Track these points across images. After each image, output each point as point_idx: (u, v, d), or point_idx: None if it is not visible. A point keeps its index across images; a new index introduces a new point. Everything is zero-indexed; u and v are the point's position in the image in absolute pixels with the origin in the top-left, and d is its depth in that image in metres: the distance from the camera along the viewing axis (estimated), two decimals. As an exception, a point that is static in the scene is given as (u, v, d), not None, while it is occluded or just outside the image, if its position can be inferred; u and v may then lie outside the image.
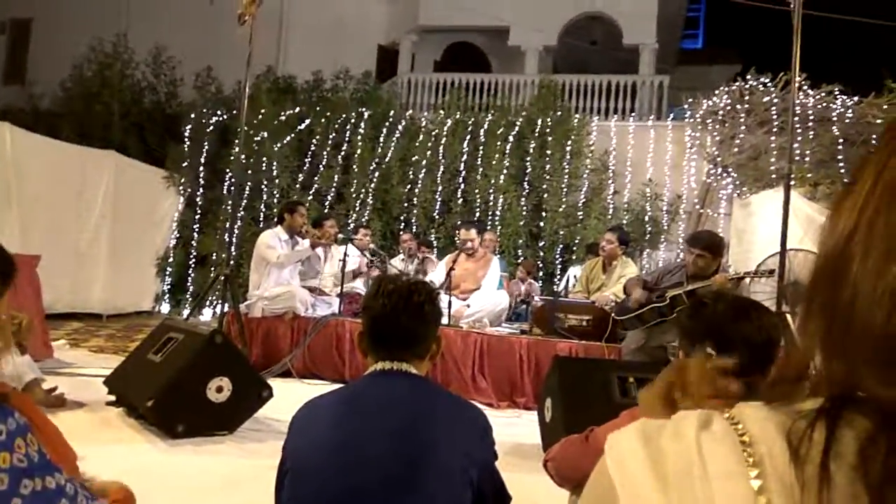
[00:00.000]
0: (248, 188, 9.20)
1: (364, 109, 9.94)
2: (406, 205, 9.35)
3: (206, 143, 9.49)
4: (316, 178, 9.45)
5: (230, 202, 8.32)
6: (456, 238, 6.39)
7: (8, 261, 0.80)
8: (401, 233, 8.46)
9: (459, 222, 7.25)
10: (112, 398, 3.85)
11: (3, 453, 0.51)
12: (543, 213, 9.09)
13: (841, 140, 7.84)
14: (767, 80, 8.30)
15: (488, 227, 8.50)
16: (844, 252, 0.39)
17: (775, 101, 8.21)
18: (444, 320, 4.60)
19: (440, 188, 9.33)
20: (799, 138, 7.51)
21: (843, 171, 7.81)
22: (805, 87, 7.96)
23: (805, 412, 0.38)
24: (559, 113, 9.80)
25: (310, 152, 9.62)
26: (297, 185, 9.38)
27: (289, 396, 3.83)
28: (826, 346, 0.39)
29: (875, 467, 0.34)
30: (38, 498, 0.53)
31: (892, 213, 0.37)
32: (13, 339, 2.96)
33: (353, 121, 9.77)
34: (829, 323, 0.39)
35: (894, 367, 0.35)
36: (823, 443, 0.36)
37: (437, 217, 9.25)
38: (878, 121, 7.75)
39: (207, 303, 8.44)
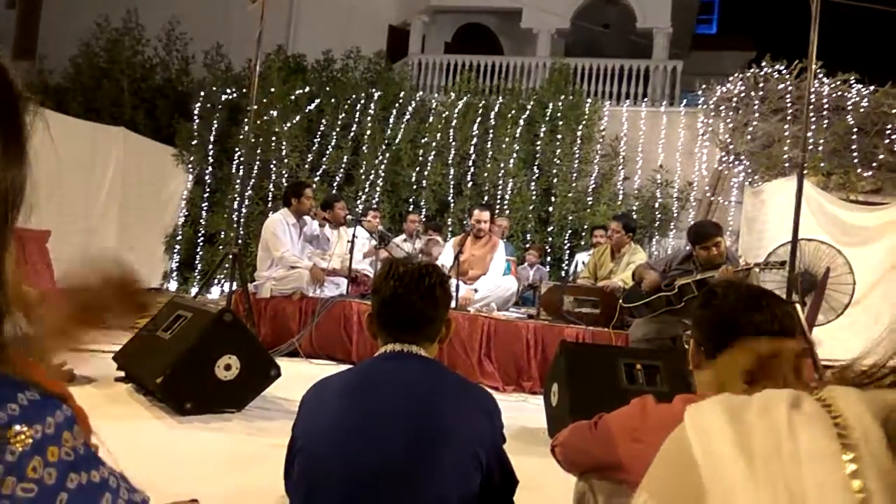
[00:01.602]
0: (256, 167, 9.19)
1: (374, 90, 9.89)
2: (415, 187, 9.33)
3: (215, 122, 9.48)
4: (325, 159, 9.44)
5: (239, 181, 8.32)
6: (466, 221, 6.39)
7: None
8: (409, 214, 8.46)
9: (474, 204, 7.24)
10: (121, 374, 3.88)
11: (51, 447, 0.51)
12: (553, 198, 9.05)
13: (855, 129, 7.76)
14: (782, 68, 8.20)
15: (497, 212, 8.48)
16: None
17: (790, 88, 8.12)
18: (452, 304, 4.60)
19: (451, 171, 9.30)
20: (813, 127, 7.44)
21: (856, 160, 7.74)
22: (820, 76, 7.86)
23: None
24: (571, 97, 9.73)
25: (319, 132, 9.60)
26: (306, 166, 9.36)
27: (296, 376, 3.85)
28: None
29: None
30: (83, 492, 0.53)
31: None
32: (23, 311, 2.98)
33: (362, 101, 9.73)
34: None
35: None
36: None
37: (451, 201, 9.22)
38: (894, 110, 7.66)
39: (215, 281, 8.48)
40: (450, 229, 8.70)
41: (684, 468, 0.39)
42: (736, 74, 8.65)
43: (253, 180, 9.13)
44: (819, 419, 0.37)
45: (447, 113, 9.62)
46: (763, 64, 8.32)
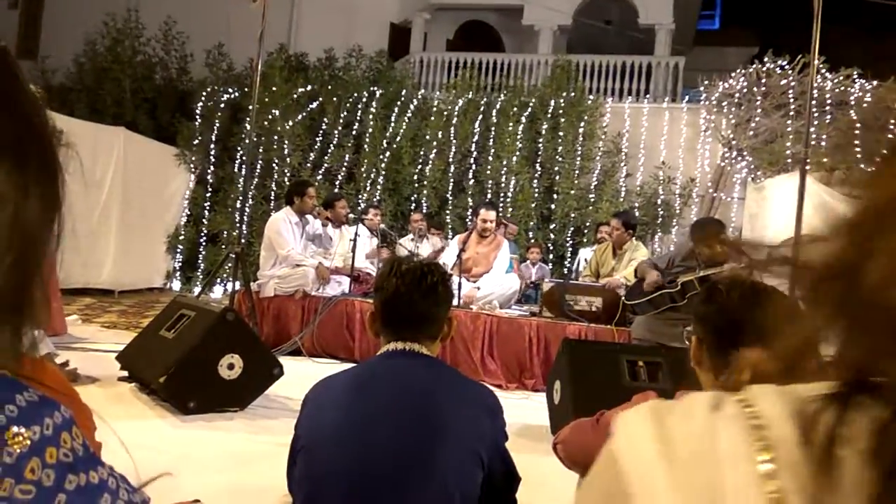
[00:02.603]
0: (259, 166, 9.20)
1: (376, 88, 9.89)
2: (417, 185, 9.33)
3: (217, 121, 9.49)
4: (327, 157, 9.44)
5: (241, 180, 8.32)
6: (469, 218, 6.39)
7: None
8: (411, 213, 8.46)
9: (476, 202, 7.26)
10: (124, 374, 3.88)
11: (50, 448, 0.51)
12: (555, 195, 9.04)
13: (858, 125, 7.73)
14: (785, 63, 8.18)
15: (501, 212, 8.48)
16: (879, 220, 0.37)
17: (792, 84, 8.10)
18: (455, 302, 4.59)
19: (452, 168, 9.30)
20: (816, 122, 7.42)
21: (859, 156, 7.71)
22: (823, 71, 7.84)
23: (817, 396, 0.37)
24: (573, 94, 9.71)
25: (321, 131, 9.60)
26: (308, 164, 9.37)
27: (299, 375, 3.86)
28: (841, 324, 0.38)
29: (886, 456, 0.33)
30: (81, 493, 0.53)
31: None
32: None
33: (364, 100, 9.73)
34: (848, 299, 0.37)
35: None
36: (832, 427, 0.35)
37: (451, 198, 9.23)
38: (897, 105, 7.64)
39: (218, 280, 8.50)
40: (450, 228, 8.70)
41: (614, 480, 0.39)
42: (738, 70, 8.63)
43: (255, 179, 9.14)
44: (737, 420, 0.37)
45: (449, 110, 9.62)
46: (766, 59, 8.30)
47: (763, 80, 8.30)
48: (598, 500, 0.41)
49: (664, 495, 0.36)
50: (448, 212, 9.14)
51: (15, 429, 0.49)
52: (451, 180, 9.28)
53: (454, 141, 9.36)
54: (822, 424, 0.35)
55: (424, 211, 8.83)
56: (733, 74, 8.61)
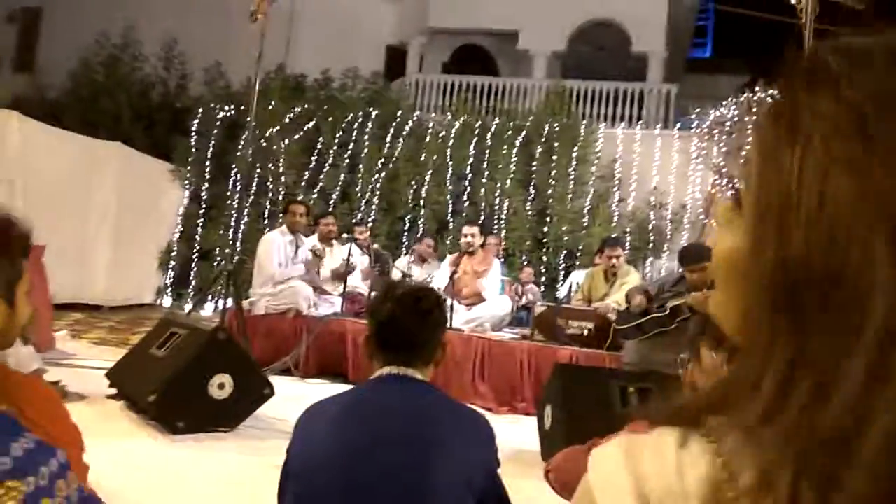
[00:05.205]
0: (254, 184, 9.21)
1: (372, 109, 9.96)
2: (412, 206, 9.36)
3: (213, 138, 9.51)
4: (322, 177, 9.47)
5: (236, 198, 8.33)
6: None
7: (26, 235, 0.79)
8: (422, 238, 8.31)
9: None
10: (113, 392, 3.85)
11: (44, 500, 0.51)
12: (548, 219, 9.09)
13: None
14: (776, 92, 8.30)
15: (494, 231, 8.48)
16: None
17: (783, 113, 8.20)
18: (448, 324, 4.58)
19: (450, 189, 9.33)
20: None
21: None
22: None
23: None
24: (566, 119, 9.80)
25: (316, 150, 9.64)
26: (303, 183, 9.39)
27: (290, 395, 3.84)
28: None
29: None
30: None
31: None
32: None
33: (360, 120, 9.79)
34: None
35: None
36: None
37: (449, 220, 9.24)
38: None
39: (210, 297, 8.46)
40: (448, 250, 8.69)
41: None
42: (730, 98, 8.75)
43: (250, 197, 9.15)
44: (703, 459, 0.38)
45: (444, 133, 9.68)
46: (757, 88, 8.42)
47: (754, 109, 8.41)
48: None
49: None
50: (450, 235, 9.13)
51: (10, 483, 0.49)
52: (451, 203, 9.31)
53: (450, 163, 9.41)
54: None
55: (420, 233, 8.79)
56: (725, 103, 8.73)
